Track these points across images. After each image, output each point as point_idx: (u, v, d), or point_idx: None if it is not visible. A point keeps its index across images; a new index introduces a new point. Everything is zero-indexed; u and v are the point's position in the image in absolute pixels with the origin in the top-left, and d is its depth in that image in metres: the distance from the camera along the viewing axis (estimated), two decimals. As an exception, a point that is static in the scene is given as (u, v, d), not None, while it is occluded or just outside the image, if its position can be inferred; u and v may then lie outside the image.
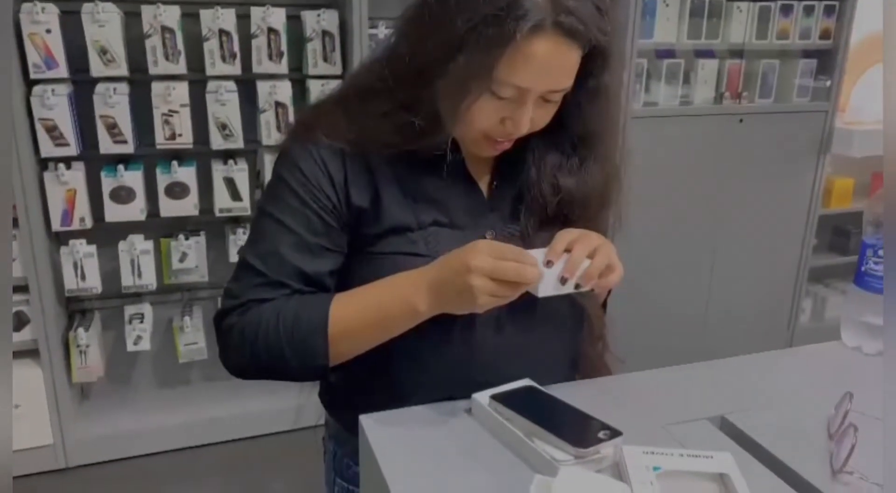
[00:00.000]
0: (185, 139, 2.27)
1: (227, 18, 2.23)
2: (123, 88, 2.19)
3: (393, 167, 0.95)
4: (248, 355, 0.93)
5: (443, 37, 0.85)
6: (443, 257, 0.89)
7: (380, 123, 0.93)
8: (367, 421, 0.90)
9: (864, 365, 1.10)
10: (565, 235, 0.89)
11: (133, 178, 2.26)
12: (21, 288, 2.21)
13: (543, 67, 0.85)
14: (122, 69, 2.16)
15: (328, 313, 0.90)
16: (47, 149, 2.15)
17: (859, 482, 0.80)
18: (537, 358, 0.99)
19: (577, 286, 0.88)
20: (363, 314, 0.91)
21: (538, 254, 0.88)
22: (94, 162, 2.26)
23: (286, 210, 0.94)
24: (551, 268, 0.87)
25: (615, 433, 0.82)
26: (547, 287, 0.88)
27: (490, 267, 0.83)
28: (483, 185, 1.01)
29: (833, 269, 3.43)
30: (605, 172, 1.01)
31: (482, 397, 0.91)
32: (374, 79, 0.95)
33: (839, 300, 3.38)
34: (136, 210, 2.28)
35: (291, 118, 2.33)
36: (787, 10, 2.84)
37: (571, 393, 0.96)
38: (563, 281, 0.88)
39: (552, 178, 0.98)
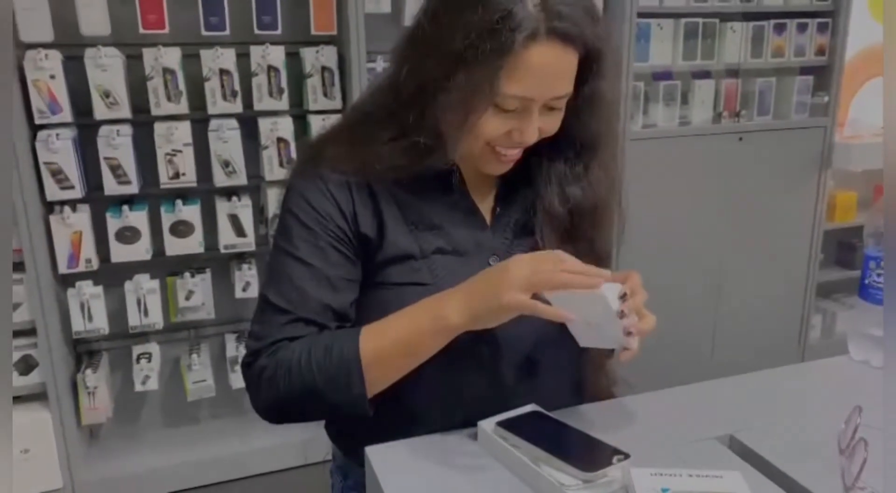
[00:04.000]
0: (189, 178, 2.29)
1: (227, 58, 2.25)
2: (126, 129, 2.21)
3: (395, 195, 0.96)
4: (281, 394, 0.90)
5: (441, 54, 0.86)
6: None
7: (385, 147, 0.93)
8: (373, 452, 0.89)
9: (872, 379, 1.09)
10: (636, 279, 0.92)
11: (138, 218, 2.28)
12: (29, 331, 2.21)
13: (544, 75, 0.86)
14: (125, 111, 2.19)
15: (359, 341, 0.89)
16: (53, 192, 2.17)
17: (872, 498, 0.79)
18: (542, 385, 0.99)
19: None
20: (395, 338, 0.89)
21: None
22: (99, 203, 2.28)
23: (301, 245, 0.94)
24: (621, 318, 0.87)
25: (623, 456, 0.82)
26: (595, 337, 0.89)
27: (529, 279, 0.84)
28: (485, 210, 1.01)
29: (841, 283, 3.40)
30: (609, 178, 1.01)
31: (488, 424, 0.90)
32: (376, 106, 0.97)
33: (848, 315, 3.35)
34: (141, 250, 2.29)
35: (293, 153, 2.35)
36: (780, 28, 2.86)
37: (578, 417, 0.95)
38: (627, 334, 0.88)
39: (559, 188, 0.99)
